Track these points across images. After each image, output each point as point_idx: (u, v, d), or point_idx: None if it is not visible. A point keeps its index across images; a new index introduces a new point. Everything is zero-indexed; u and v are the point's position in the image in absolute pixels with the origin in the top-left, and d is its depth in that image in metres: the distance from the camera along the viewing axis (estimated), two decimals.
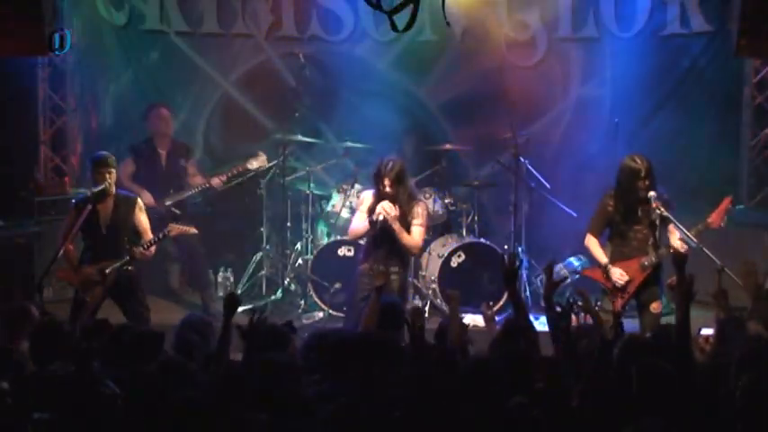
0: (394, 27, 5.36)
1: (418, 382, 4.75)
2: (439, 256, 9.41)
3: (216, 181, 9.38)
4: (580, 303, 6.07)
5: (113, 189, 7.82)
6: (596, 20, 10.03)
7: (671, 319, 7.83)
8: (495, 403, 4.65)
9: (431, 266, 9.44)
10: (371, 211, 7.77)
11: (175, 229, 7.99)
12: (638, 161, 7.44)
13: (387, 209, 7.66)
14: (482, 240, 9.62)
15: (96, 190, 7.73)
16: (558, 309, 5.69)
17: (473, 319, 9.08)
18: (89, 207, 7.70)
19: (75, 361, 4.85)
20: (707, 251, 7.41)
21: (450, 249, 9.39)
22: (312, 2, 10.19)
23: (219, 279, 9.89)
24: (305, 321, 9.11)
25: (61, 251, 7.66)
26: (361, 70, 10.31)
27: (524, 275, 9.50)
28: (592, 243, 7.69)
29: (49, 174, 10.30)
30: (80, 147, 10.45)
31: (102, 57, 10.35)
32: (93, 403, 4.66)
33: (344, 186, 9.74)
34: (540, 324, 9.09)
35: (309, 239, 9.86)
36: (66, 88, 10.33)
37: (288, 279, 9.79)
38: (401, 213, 7.74)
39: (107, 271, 7.69)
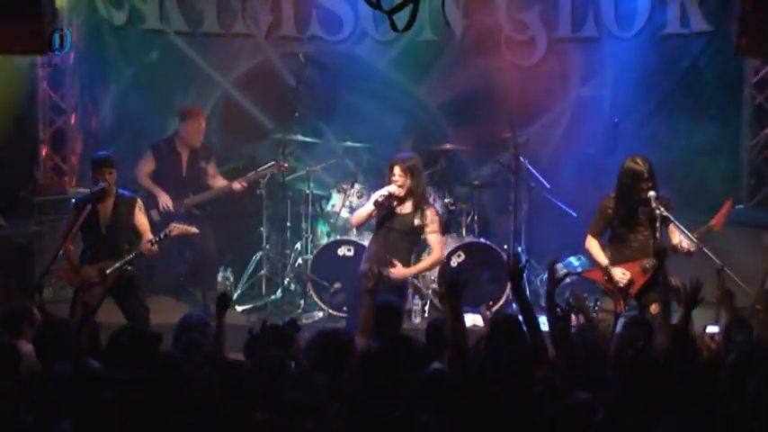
0: (394, 27, 5.36)
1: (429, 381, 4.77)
2: None
3: (237, 185, 9.38)
4: (572, 302, 6.08)
5: (114, 189, 7.83)
6: (596, 20, 10.03)
7: (673, 320, 7.87)
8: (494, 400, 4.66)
9: None
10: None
11: (177, 228, 8.00)
12: (640, 163, 7.40)
13: (391, 189, 7.66)
14: (482, 240, 9.62)
15: (96, 189, 7.74)
16: (558, 310, 5.68)
17: (473, 319, 9.13)
18: (89, 207, 7.70)
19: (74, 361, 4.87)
20: (707, 251, 7.41)
21: (450, 249, 9.38)
22: (312, 2, 10.19)
23: (219, 279, 9.88)
24: (305, 321, 9.10)
25: (61, 251, 7.67)
26: (361, 70, 10.31)
27: (524, 275, 9.49)
28: (592, 245, 7.66)
29: (48, 174, 10.31)
30: (80, 147, 10.46)
31: (102, 57, 10.35)
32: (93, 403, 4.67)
33: (344, 186, 9.74)
34: (540, 324, 9.15)
35: (309, 239, 9.86)
36: (66, 88, 10.34)
37: (288, 279, 9.79)
38: (407, 211, 7.71)
39: (108, 271, 7.70)
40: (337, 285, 9.30)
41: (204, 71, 10.40)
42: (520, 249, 9.57)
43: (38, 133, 10.25)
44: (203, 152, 9.45)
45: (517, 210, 9.50)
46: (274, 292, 9.75)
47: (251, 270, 9.93)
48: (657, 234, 7.42)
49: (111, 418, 4.64)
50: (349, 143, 9.95)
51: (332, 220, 9.77)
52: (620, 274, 7.46)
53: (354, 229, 9.47)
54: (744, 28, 7.38)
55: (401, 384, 4.75)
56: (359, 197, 9.64)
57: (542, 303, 9.56)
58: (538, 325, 5.72)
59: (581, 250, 9.36)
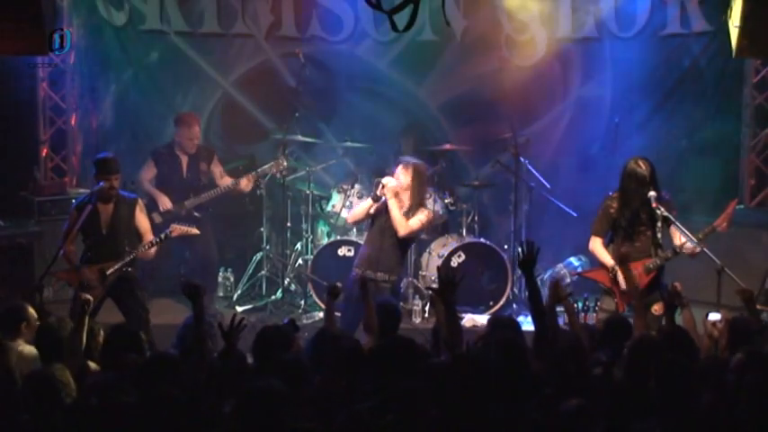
0: (394, 27, 5.36)
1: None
2: (439, 256, 9.41)
3: (244, 182, 9.37)
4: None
5: (116, 192, 7.83)
6: (596, 20, 10.03)
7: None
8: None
9: (431, 266, 9.43)
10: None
11: (177, 229, 8.01)
12: (643, 166, 7.41)
13: (389, 181, 7.69)
14: (482, 240, 9.62)
15: (96, 189, 7.74)
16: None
17: (473, 319, 9.14)
18: (89, 207, 7.71)
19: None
20: (707, 251, 7.41)
21: (450, 249, 9.39)
22: (312, 2, 10.19)
23: (219, 279, 9.90)
24: (305, 321, 9.11)
25: (61, 251, 7.68)
26: (361, 70, 10.31)
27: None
28: (597, 246, 7.65)
29: (49, 174, 10.30)
30: (80, 147, 10.45)
31: (102, 57, 10.34)
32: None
33: (344, 186, 9.74)
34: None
35: (309, 239, 9.86)
36: (66, 88, 10.33)
37: (288, 279, 9.79)
38: (404, 209, 7.71)
39: (108, 272, 7.70)
40: (338, 284, 9.28)
41: (204, 71, 10.40)
42: (520, 250, 9.54)
43: (38, 133, 10.24)
44: (204, 155, 9.45)
45: (517, 210, 9.50)
46: (275, 293, 9.75)
47: (251, 270, 9.93)
48: (659, 234, 7.42)
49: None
50: (349, 143, 9.95)
51: (332, 221, 9.78)
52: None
53: (354, 229, 9.48)
54: (744, 28, 7.38)
55: (399, 383, 4.74)
56: (359, 197, 9.65)
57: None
58: (545, 313, 5.74)
59: (581, 250, 9.38)
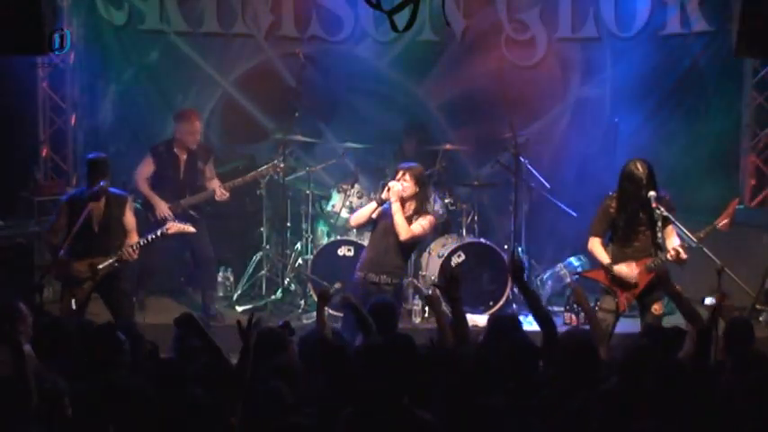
0: (394, 27, 5.35)
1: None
2: (439, 256, 9.40)
3: (219, 192, 9.29)
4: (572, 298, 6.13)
5: (108, 189, 7.87)
6: (596, 20, 10.03)
7: (672, 319, 7.88)
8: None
9: (431, 266, 9.43)
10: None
11: (174, 227, 8.03)
12: (640, 168, 7.42)
13: (395, 185, 7.70)
14: (482, 240, 9.62)
15: (98, 188, 7.78)
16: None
17: (473, 319, 9.13)
18: (90, 206, 7.74)
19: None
20: (707, 251, 7.42)
21: (450, 249, 9.38)
22: (312, 2, 10.19)
23: (219, 279, 9.89)
24: (305, 321, 9.10)
25: (61, 251, 7.71)
26: (361, 70, 10.31)
27: (524, 275, 9.50)
28: (595, 245, 7.66)
29: (49, 174, 10.30)
30: (80, 147, 10.45)
31: (102, 57, 10.35)
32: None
33: (344, 186, 9.74)
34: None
35: (309, 239, 9.85)
36: (66, 88, 10.33)
37: (288, 279, 9.79)
38: (406, 215, 7.72)
39: (100, 267, 7.74)
40: (337, 285, 9.27)
41: (204, 71, 10.40)
42: (520, 249, 9.57)
43: (38, 133, 10.25)
44: (203, 153, 9.44)
45: (517, 210, 9.49)
46: (274, 293, 9.74)
47: (251, 270, 9.93)
48: (660, 235, 7.43)
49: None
50: (349, 143, 9.94)
51: (332, 220, 9.77)
52: (625, 272, 7.48)
53: (354, 230, 9.47)
54: (744, 28, 7.39)
55: (397, 382, 4.73)
56: (359, 197, 9.65)
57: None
58: (548, 316, 5.76)
59: (581, 250, 9.38)
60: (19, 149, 10.11)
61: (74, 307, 7.69)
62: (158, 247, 8.93)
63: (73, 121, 10.41)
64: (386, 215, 7.78)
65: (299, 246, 9.91)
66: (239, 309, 9.54)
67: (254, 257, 9.94)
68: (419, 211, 7.76)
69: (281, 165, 9.47)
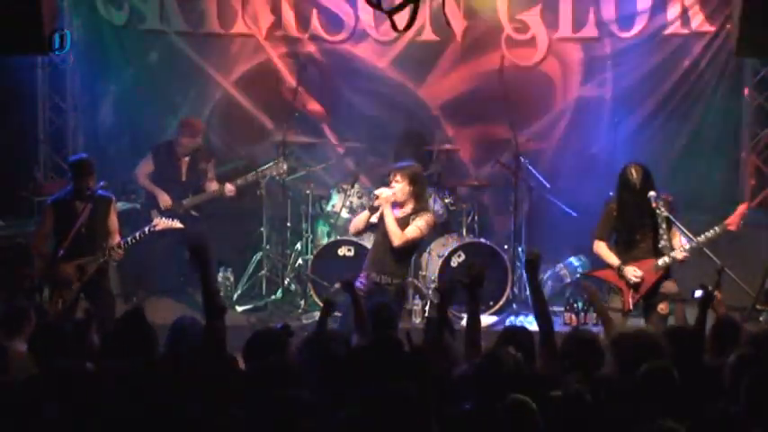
0: (394, 27, 5.35)
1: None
2: (439, 256, 9.40)
3: (229, 188, 9.34)
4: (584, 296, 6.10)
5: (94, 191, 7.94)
6: (596, 20, 10.03)
7: (669, 319, 7.87)
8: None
9: (431, 266, 9.43)
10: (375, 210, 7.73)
11: (161, 223, 8.09)
12: (634, 174, 7.62)
13: (383, 191, 7.60)
14: (482, 240, 9.62)
15: (99, 187, 7.86)
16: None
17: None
18: (90, 206, 7.78)
19: None
20: (707, 251, 7.43)
21: (450, 249, 9.38)
22: (312, 2, 10.19)
23: (219, 279, 9.88)
24: (305, 321, 9.10)
25: (61, 251, 7.73)
26: (361, 70, 10.31)
27: (524, 275, 9.51)
28: (602, 248, 7.79)
29: (49, 174, 10.30)
30: (80, 147, 10.45)
31: (102, 57, 10.34)
32: None
33: (344, 186, 9.73)
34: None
35: (309, 239, 9.85)
36: (67, 88, 10.33)
37: (288, 279, 9.78)
38: (404, 214, 7.68)
39: (87, 267, 7.79)
40: (338, 285, 9.28)
41: (204, 71, 10.39)
42: (520, 249, 9.57)
43: (38, 133, 10.24)
44: (204, 155, 9.44)
45: (517, 210, 9.49)
46: (274, 293, 9.74)
47: (251, 270, 9.93)
48: (666, 236, 7.49)
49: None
50: (349, 143, 9.93)
51: (332, 221, 9.77)
52: (633, 272, 7.57)
53: None
54: (744, 28, 7.39)
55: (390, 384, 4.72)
56: (359, 197, 9.64)
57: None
58: (548, 314, 5.75)
59: (581, 250, 9.39)
60: (19, 149, 10.10)
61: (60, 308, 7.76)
62: (158, 247, 8.94)
63: (73, 122, 10.40)
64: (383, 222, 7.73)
65: (299, 246, 9.91)
66: (239, 309, 9.54)
67: (254, 257, 9.94)
68: (417, 210, 7.65)
69: (284, 167, 9.43)
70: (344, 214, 9.54)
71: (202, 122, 9.76)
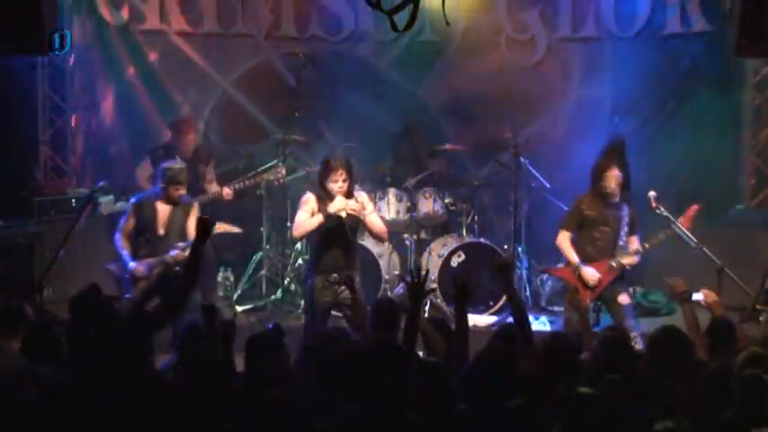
0: (394, 27, 5.35)
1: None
2: (439, 256, 9.40)
3: (227, 191, 9.33)
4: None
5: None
6: (596, 20, 10.04)
7: (671, 319, 7.89)
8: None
9: (431, 266, 9.42)
10: (315, 213, 7.48)
11: (221, 227, 8.08)
12: (603, 159, 7.82)
13: (351, 204, 7.41)
14: (482, 240, 9.62)
15: (194, 198, 8.27)
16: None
17: (473, 320, 9.11)
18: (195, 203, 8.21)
19: None
20: (707, 251, 7.43)
21: (450, 249, 9.38)
22: (312, 2, 10.20)
23: (219, 279, 9.88)
24: (304, 321, 9.08)
25: (61, 252, 7.73)
26: (361, 70, 10.31)
27: (524, 275, 9.52)
28: (564, 241, 7.92)
29: (49, 174, 10.30)
30: (80, 147, 10.45)
31: (102, 57, 10.35)
32: None
33: None
34: (540, 323, 9.17)
35: None
36: (66, 88, 10.32)
37: (288, 279, 9.78)
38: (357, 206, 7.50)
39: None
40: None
41: (204, 71, 10.40)
42: (520, 249, 9.57)
43: (38, 133, 10.24)
44: (203, 156, 9.44)
45: (517, 210, 9.49)
46: (274, 293, 9.75)
47: (251, 270, 9.93)
48: (624, 235, 7.63)
49: None
50: (348, 143, 9.94)
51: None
52: (592, 275, 7.68)
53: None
54: (744, 28, 7.39)
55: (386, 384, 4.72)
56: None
57: (542, 303, 9.65)
58: (526, 317, 5.77)
59: None
60: (19, 149, 10.10)
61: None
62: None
63: (73, 121, 10.40)
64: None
65: (299, 246, 9.90)
66: (239, 309, 9.54)
67: (254, 257, 9.95)
68: (352, 193, 7.48)
69: (283, 171, 9.38)
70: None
71: (191, 121, 9.70)
